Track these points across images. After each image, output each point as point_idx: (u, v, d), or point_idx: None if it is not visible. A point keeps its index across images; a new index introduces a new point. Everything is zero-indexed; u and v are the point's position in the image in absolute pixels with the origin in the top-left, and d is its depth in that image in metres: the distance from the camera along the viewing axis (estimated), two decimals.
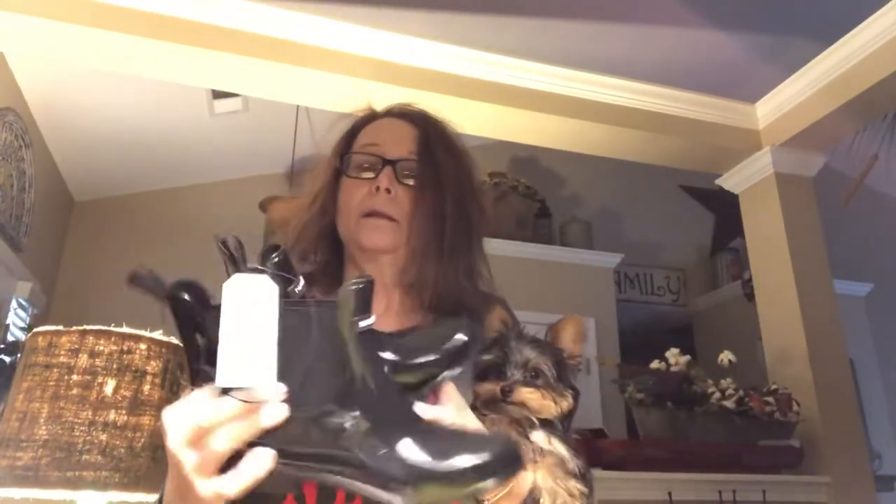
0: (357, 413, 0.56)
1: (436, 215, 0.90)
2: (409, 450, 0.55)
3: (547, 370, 0.77)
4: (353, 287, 0.56)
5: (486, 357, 0.78)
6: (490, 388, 0.75)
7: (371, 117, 1.00)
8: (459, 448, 0.55)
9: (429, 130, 0.95)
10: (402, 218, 0.90)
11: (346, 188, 0.93)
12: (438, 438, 0.57)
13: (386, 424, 0.57)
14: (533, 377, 0.76)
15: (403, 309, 0.95)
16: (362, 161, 0.93)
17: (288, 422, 0.55)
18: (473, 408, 0.78)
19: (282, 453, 0.56)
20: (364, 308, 0.57)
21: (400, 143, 0.93)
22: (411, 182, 0.91)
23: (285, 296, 0.57)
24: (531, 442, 0.74)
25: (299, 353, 0.57)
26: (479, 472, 0.54)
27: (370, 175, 0.91)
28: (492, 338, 0.82)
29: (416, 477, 0.54)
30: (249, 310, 0.54)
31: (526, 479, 0.73)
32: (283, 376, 0.55)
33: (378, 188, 0.89)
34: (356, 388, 0.57)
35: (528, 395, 0.74)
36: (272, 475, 0.57)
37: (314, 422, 0.56)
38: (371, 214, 0.90)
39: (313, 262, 0.97)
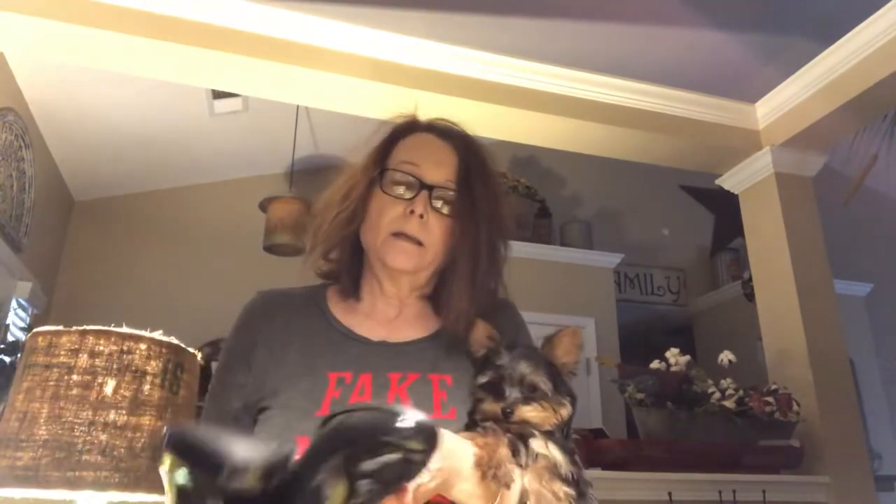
0: None
1: (470, 250, 0.91)
2: None
3: (543, 385, 0.78)
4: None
5: (483, 379, 0.79)
6: (492, 408, 0.77)
7: (411, 127, 1.00)
8: None
9: (469, 160, 0.95)
10: (430, 244, 0.91)
11: (378, 202, 0.93)
12: None
13: None
14: (530, 391, 0.77)
15: (415, 315, 0.97)
16: (399, 179, 0.93)
17: None
18: (472, 420, 0.80)
19: None
20: None
21: (439, 167, 0.93)
22: (445, 210, 0.92)
23: None
24: (528, 447, 0.76)
25: None
26: None
27: (406, 195, 0.91)
28: (482, 355, 0.83)
29: None
30: None
31: (514, 487, 0.74)
32: None
33: (412, 211, 0.90)
34: None
35: (528, 413, 0.76)
36: None
37: None
38: (399, 235, 0.90)
39: (335, 261, 0.98)
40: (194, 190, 4.13)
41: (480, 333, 0.85)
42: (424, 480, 0.67)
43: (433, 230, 0.91)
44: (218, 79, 2.72)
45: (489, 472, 0.73)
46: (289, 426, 0.82)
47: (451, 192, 0.92)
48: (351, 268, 0.98)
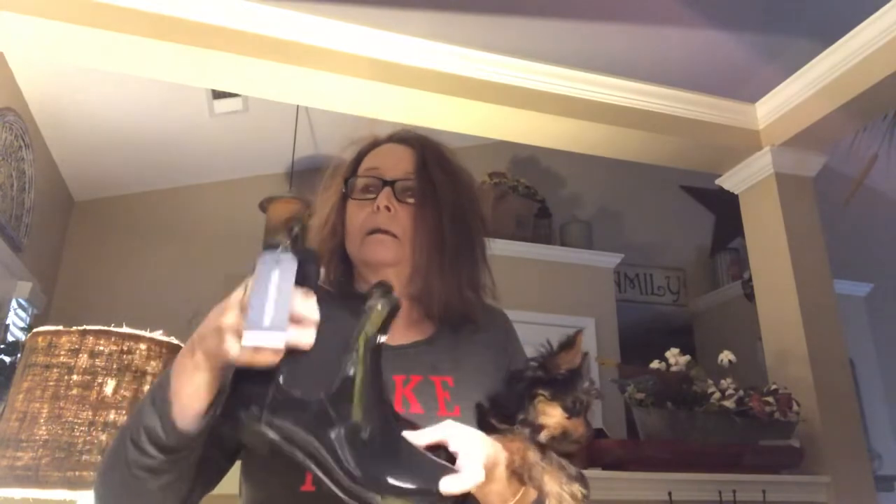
0: (348, 421, 0.65)
1: (436, 230, 0.95)
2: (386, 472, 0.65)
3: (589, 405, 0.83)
4: (383, 304, 0.66)
5: (570, 403, 0.82)
6: (568, 425, 0.81)
7: (374, 144, 1.06)
8: (399, 470, 0.65)
9: (425, 152, 1.01)
10: (403, 234, 0.94)
11: (350, 210, 0.99)
12: (419, 463, 0.67)
13: (370, 442, 0.66)
14: (584, 409, 0.83)
15: (409, 320, 0.98)
16: (364, 184, 0.99)
17: (288, 398, 0.66)
18: (486, 421, 0.84)
19: (271, 425, 0.66)
20: (385, 328, 0.67)
21: (398, 165, 0.99)
22: (410, 200, 0.96)
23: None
24: (545, 451, 0.79)
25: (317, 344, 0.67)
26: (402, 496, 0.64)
27: (371, 196, 0.97)
28: (572, 370, 0.85)
29: (374, 484, 0.64)
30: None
31: (530, 491, 0.78)
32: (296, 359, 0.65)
33: (378, 207, 0.94)
34: (352, 390, 0.66)
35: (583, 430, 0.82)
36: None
37: (309, 407, 0.66)
38: (374, 232, 0.95)
39: (326, 281, 1.02)
40: (194, 190, 4.13)
41: (577, 357, 0.86)
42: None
43: (403, 221, 0.95)
44: (218, 79, 2.72)
45: (524, 474, 0.77)
46: None
47: (412, 182, 0.97)
48: (340, 284, 1.01)
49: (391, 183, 0.96)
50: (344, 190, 1.00)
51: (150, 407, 0.73)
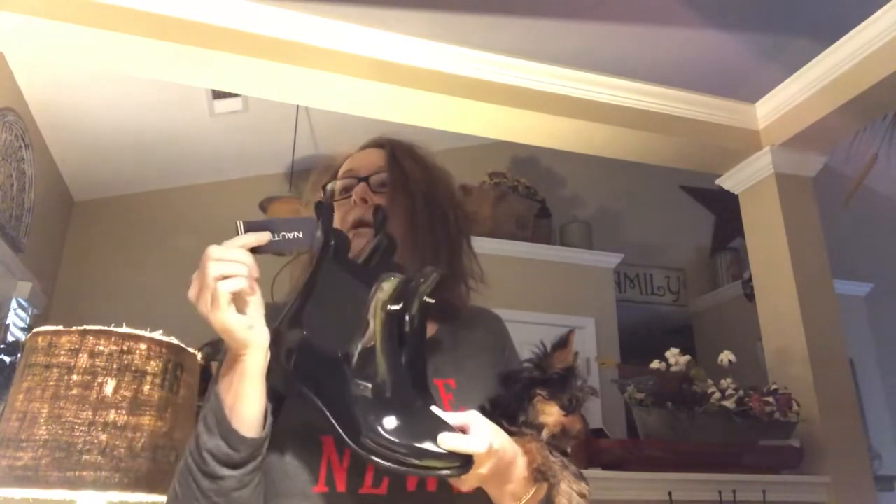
0: (365, 380, 0.71)
1: (408, 213, 0.98)
2: (390, 424, 0.69)
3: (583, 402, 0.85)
4: (395, 280, 0.73)
5: (566, 401, 0.83)
6: (563, 421, 0.82)
7: (347, 156, 1.10)
8: (429, 436, 0.69)
9: (395, 148, 1.05)
10: None
11: (336, 214, 1.01)
12: (418, 422, 0.71)
13: (381, 400, 0.71)
14: (579, 406, 0.84)
15: None
16: (342, 186, 1.04)
17: (311, 350, 0.74)
18: (501, 426, 0.84)
19: (300, 375, 0.75)
20: (397, 298, 0.73)
21: (371, 163, 1.03)
22: (385, 190, 1.00)
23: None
24: (554, 451, 0.81)
25: (340, 304, 0.76)
26: (436, 460, 0.68)
27: (350, 195, 1.01)
28: (563, 369, 0.86)
29: (376, 444, 0.68)
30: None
31: (540, 490, 0.80)
32: (322, 313, 0.74)
33: (355, 202, 0.98)
34: (366, 350, 0.72)
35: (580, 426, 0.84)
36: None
37: (331, 360, 0.73)
38: (355, 226, 0.98)
39: None
40: (194, 190, 4.13)
41: (570, 356, 0.87)
42: (481, 471, 0.73)
43: None
44: (218, 79, 2.72)
45: (547, 472, 0.78)
46: (308, 429, 0.84)
47: (384, 174, 1.01)
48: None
49: (365, 178, 1.00)
50: (324, 198, 1.04)
51: (206, 434, 0.75)
